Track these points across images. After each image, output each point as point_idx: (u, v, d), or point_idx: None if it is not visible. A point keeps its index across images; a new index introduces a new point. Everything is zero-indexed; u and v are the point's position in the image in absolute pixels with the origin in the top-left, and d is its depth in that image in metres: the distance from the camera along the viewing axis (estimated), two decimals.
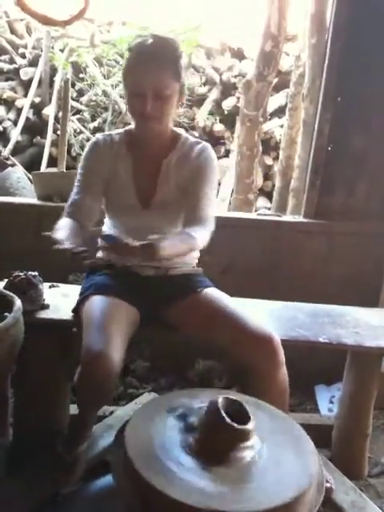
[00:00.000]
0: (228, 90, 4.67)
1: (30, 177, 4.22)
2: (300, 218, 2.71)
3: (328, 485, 1.71)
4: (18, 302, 1.67)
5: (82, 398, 1.71)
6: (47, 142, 4.17)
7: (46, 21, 1.60)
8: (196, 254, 1.97)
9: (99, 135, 1.92)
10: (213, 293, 1.84)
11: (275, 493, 1.17)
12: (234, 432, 1.24)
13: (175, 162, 1.81)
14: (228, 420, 1.24)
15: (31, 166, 4.45)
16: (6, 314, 1.63)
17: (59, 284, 2.15)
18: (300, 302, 2.18)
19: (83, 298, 1.79)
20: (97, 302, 1.74)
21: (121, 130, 1.92)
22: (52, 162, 4.38)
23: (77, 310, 1.80)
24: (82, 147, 4.34)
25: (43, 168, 4.18)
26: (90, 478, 1.80)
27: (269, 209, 4.25)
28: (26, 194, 3.98)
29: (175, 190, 1.83)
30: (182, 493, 1.15)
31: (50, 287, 2.08)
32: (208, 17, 4.25)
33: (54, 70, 4.57)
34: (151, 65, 1.65)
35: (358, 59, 2.40)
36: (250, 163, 3.09)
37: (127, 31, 4.39)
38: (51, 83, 4.57)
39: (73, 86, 4.60)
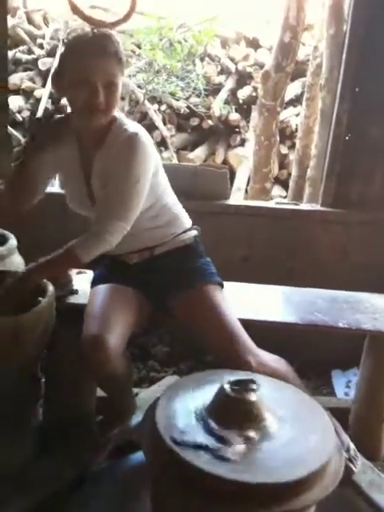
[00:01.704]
0: (243, 79, 4.69)
1: None
2: (317, 207, 2.76)
3: (351, 465, 1.77)
4: (50, 288, 1.74)
5: (97, 383, 1.80)
6: None
7: (97, 23, 1.64)
8: (177, 229, 1.91)
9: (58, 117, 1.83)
10: (209, 295, 1.82)
11: (294, 467, 1.24)
12: (242, 405, 1.31)
13: (103, 156, 1.75)
14: (235, 395, 1.31)
15: None
16: (39, 299, 1.70)
17: (86, 270, 2.22)
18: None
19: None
20: (96, 291, 1.84)
21: (62, 117, 1.82)
22: None
23: None
24: None
25: None
26: (117, 456, 1.90)
27: (284, 197, 4.30)
28: None
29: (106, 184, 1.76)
30: (208, 465, 1.22)
31: (77, 273, 2.16)
32: (224, 6, 4.26)
33: None
34: (99, 54, 1.62)
35: (375, 50, 2.43)
36: (268, 153, 3.14)
37: (144, 21, 4.42)
38: None
39: None
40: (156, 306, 1.88)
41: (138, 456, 1.85)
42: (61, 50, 1.80)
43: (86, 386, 2.04)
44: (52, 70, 1.85)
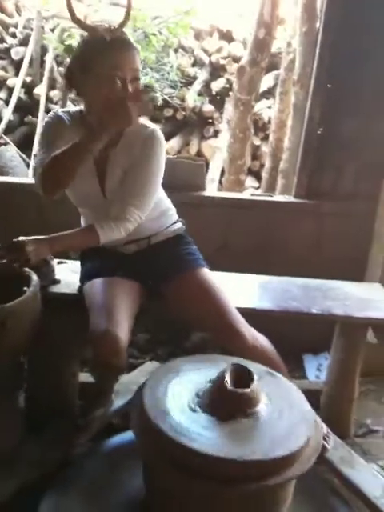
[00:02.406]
0: (217, 71, 4.75)
1: (23, 156, 4.31)
2: (291, 198, 2.85)
3: (324, 443, 1.88)
4: (35, 277, 1.78)
5: (97, 374, 1.86)
6: (39, 122, 4.22)
7: (92, 31, 1.68)
8: (169, 220, 2.02)
9: (59, 110, 1.89)
10: (203, 276, 1.93)
11: (279, 444, 1.33)
12: (238, 397, 1.39)
13: (121, 151, 1.82)
14: (232, 388, 1.39)
15: (23, 144, 4.50)
16: (25, 288, 1.75)
17: (66, 260, 2.27)
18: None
19: (83, 285, 1.93)
20: (95, 285, 1.88)
21: (76, 109, 1.87)
22: None
23: (81, 296, 1.92)
24: None
25: (35, 147, 4.24)
26: (100, 438, 1.97)
27: (257, 188, 4.39)
28: (19, 173, 4.06)
29: (123, 178, 1.84)
30: (195, 443, 1.30)
31: (58, 263, 2.20)
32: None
33: (44, 50, 4.60)
34: (126, 49, 1.67)
35: (347, 48, 2.51)
36: (242, 145, 3.22)
37: (117, 11, 4.42)
38: (42, 63, 4.60)
39: (62, 64, 4.65)
40: (150, 293, 1.95)
41: (120, 437, 1.95)
42: (79, 47, 1.78)
43: (68, 372, 2.11)
44: (65, 68, 1.86)
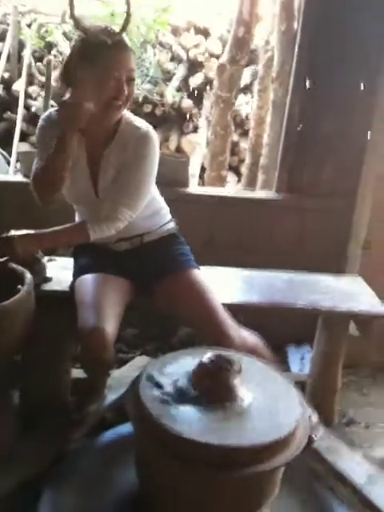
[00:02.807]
0: (195, 67, 4.79)
1: (4, 153, 4.28)
2: (272, 194, 2.91)
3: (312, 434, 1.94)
4: (28, 276, 1.80)
5: (86, 369, 1.90)
6: (18, 118, 4.20)
7: (93, 36, 1.69)
8: (163, 219, 2.04)
9: (51, 112, 1.88)
10: (194, 278, 1.95)
11: (268, 431, 1.38)
12: (220, 379, 1.44)
13: (115, 151, 1.82)
14: (211, 368, 1.45)
15: (2, 141, 4.48)
16: (19, 286, 1.77)
17: (56, 258, 2.28)
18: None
19: (75, 280, 1.95)
20: (85, 281, 1.90)
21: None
22: (22, 137, 4.44)
23: (72, 293, 1.93)
24: None
25: (15, 143, 4.22)
26: (94, 433, 2.00)
27: (237, 183, 4.46)
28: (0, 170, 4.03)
29: (116, 177, 1.85)
30: (187, 431, 1.34)
31: (48, 261, 2.21)
32: None
33: (21, 45, 4.56)
34: (123, 49, 1.69)
35: (326, 47, 2.57)
36: (223, 142, 3.27)
37: (94, 7, 4.42)
38: (19, 58, 4.57)
39: (40, 60, 4.62)
40: (140, 291, 1.98)
41: (113, 432, 1.99)
42: (74, 46, 1.78)
43: (61, 368, 2.14)
44: (59, 68, 1.85)
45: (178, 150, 4.60)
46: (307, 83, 2.61)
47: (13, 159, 4.23)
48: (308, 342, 2.96)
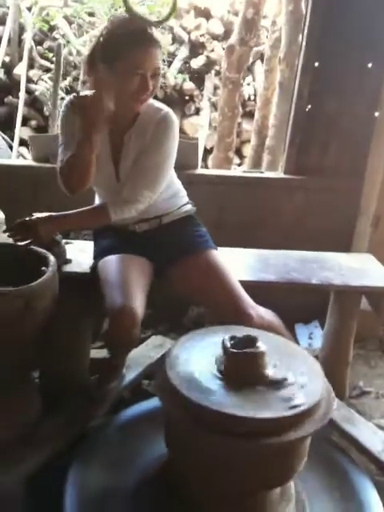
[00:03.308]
0: (196, 48, 4.79)
1: (5, 137, 4.29)
2: (281, 175, 2.95)
3: None
4: (52, 258, 1.85)
5: (113, 347, 1.94)
6: (20, 102, 4.20)
7: (141, 20, 1.71)
8: (181, 201, 2.08)
9: (73, 97, 1.87)
10: (213, 258, 2.00)
11: (294, 403, 1.44)
12: (244, 358, 1.48)
13: (135, 136, 1.86)
14: (234, 350, 1.48)
15: (4, 125, 4.48)
16: (43, 268, 1.81)
17: (72, 240, 2.32)
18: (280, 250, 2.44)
19: (97, 262, 1.99)
20: (110, 262, 1.94)
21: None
22: (24, 122, 4.44)
23: (93, 274, 1.99)
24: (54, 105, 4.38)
25: (18, 128, 4.22)
26: (112, 412, 2.06)
27: (239, 164, 4.49)
28: (2, 155, 4.05)
29: (136, 160, 1.88)
30: (216, 404, 1.39)
31: (65, 244, 2.26)
32: None
33: (21, 29, 4.54)
34: (149, 45, 1.70)
35: (335, 27, 2.60)
36: (231, 123, 3.29)
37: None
38: (19, 42, 4.55)
39: (40, 44, 4.60)
40: (158, 271, 2.02)
41: (133, 409, 2.05)
42: (104, 36, 1.74)
43: (81, 348, 2.19)
44: (86, 53, 1.84)
45: (181, 131, 4.61)
46: (316, 64, 2.64)
47: (15, 143, 4.24)
48: (315, 318, 3.05)
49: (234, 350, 1.50)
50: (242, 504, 1.60)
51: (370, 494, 1.80)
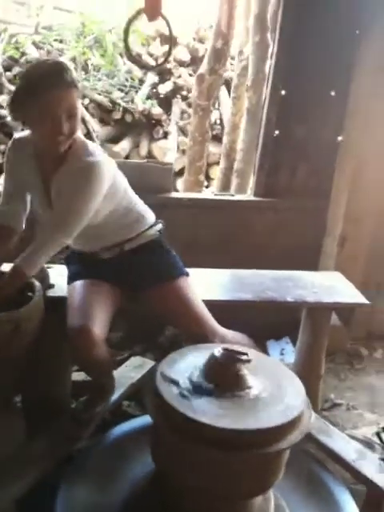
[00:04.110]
0: (163, 75, 4.91)
1: None
2: (251, 197, 3.08)
3: None
4: (37, 284, 1.90)
5: (82, 369, 1.99)
6: None
7: (142, 65, 1.79)
8: (142, 226, 2.06)
9: (16, 135, 1.96)
10: (181, 287, 2.04)
11: (277, 415, 1.52)
12: (231, 370, 1.56)
13: (61, 177, 1.85)
14: (223, 361, 1.56)
15: None
16: (29, 294, 1.86)
17: (51, 265, 2.36)
18: (252, 269, 2.54)
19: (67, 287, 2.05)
20: (75, 287, 2.01)
21: (22, 139, 1.93)
22: None
23: None
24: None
25: None
26: (95, 433, 2.09)
27: (206, 186, 4.60)
28: None
29: None
30: (204, 417, 1.46)
31: (47, 268, 2.30)
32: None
33: None
34: (61, 87, 1.69)
35: (300, 58, 2.76)
36: (201, 148, 3.41)
37: (62, 16, 4.49)
38: None
39: (8, 70, 4.64)
40: (128, 297, 2.08)
41: (117, 429, 2.10)
42: (19, 80, 1.80)
43: (63, 371, 2.22)
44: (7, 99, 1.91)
45: (149, 155, 4.71)
46: (283, 92, 2.79)
47: None
48: (286, 334, 3.16)
49: (220, 361, 1.58)
50: (226, 510, 1.67)
51: (346, 500, 1.89)
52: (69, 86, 1.70)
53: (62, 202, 1.83)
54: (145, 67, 1.89)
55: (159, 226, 2.13)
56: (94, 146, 1.91)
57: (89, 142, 1.89)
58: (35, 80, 1.70)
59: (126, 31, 1.91)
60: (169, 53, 1.85)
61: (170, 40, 1.88)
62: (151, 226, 2.10)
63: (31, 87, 1.70)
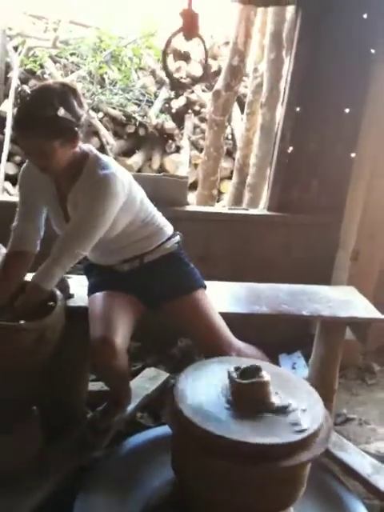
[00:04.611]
0: (177, 90, 4.98)
1: None
2: (264, 211, 3.11)
3: None
4: (59, 293, 1.93)
5: (100, 377, 2.01)
6: (6, 138, 4.28)
7: (178, 85, 1.84)
8: (161, 237, 2.07)
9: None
10: (199, 300, 2.07)
11: (298, 429, 1.55)
12: (249, 387, 1.58)
13: (76, 191, 1.88)
14: (240, 380, 1.59)
15: None
16: (50, 303, 1.89)
17: (70, 275, 2.39)
18: (265, 283, 2.54)
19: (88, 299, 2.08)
20: (95, 298, 2.03)
21: None
22: (9, 157, 4.51)
23: None
24: None
25: (3, 164, 4.29)
26: (113, 442, 2.11)
27: (217, 201, 4.65)
28: None
29: None
30: (228, 432, 1.48)
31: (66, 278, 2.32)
32: (157, 20, 4.52)
33: (7, 68, 4.66)
34: (25, 132, 1.74)
35: (314, 76, 2.81)
36: (215, 163, 3.46)
37: (78, 31, 4.58)
38: (6, 80, 4.66)
39: (24, 82, 4.72)
40: (149, 307, 2.10)
41: (136, 438, 2.12)
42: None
43: (81, 380, 2.25)
44: None
45: (161, 169, 4.77)
46: (297, 109, 2.84)
47: (0, 179, 4.31)
48: (298, 349, 3.17)
49: (241, 381, 1.60)
50: None
51: None
52: (32, 128, 1.71)
53: (77, 214, 1.86)
54: (183, 86, 1.92)
55: (177, 238, 2.15)
56: (108, 159, 1.92)
57: (102, 156, 1.92)
58: (16, 114, 1.79)
59: (164, 52, 1.96)
60: (205, 71, 1.88)
61: (205, 57, 1.93)
62: (169, 238, 2.11)
63: (14, 121, 1.85)
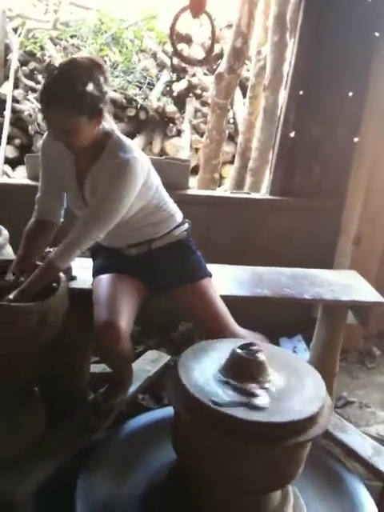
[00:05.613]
0: (178, 73, 4.94)
1: None
2: (267, 196, 3.11)
3: None
4: (62, 275, 1.93)
5: (103, 360, 2.01)
6: (6, 121, 4.25)
7: (186, 61, 1.82)
8: (171, 224, 2.05)
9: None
10: (204, 288, 2.07)
11: (299, 409, 1.55)
12: (251, 362, 1.60)
13: (95, 173, 1.85)
14: (244, 355, 1.60)
15: None
16: (54, 284, 1.89)
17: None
18: (267, 266, 2.54)
19: (93, 280, 2.07)
20: (100, 281, 2.03)
21: None
22: (9, 140, 4.49)
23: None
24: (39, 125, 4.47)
25: (3, 146, 4.27)
26: (114, 424, 2.12)
27: (219, 185, 4.63)
28: None
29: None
30: (229, 409, 1.49)
31: None
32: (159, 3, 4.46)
33: (7, 49, 4.61)
34: (51, 107, 1.69)
35: (318, 60, 2.79)
36: (218, 146, 3.44)
37: (79, 12, 4.53)
38: (5, 62, 4.62)
39: (24, 64, 4.68)
40: (153, 293, 2.10)
41: (135, 421, 2.13)
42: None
43: (83, 362, 2.26)
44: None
45: (162, 153, 4.74)
46: (301, 92, 2.82)
47: (0, 162, 4.28)
48: (298, 332, 3.19)
49: (245, 356, 1.61)
50: (247, 504, 1.70)
51: (364, 496, 1.92)
52: (58, 103, 1.67)
53: (97, 197, 1.83)
54: (191, 63, 1.91)
55: (186, 226, 2.13)
56: (130, 142, 1.88)
57: (124, 138, 1.88)
58: (39, 93, 1.76)
59: (172, 28, 1.93)
60: (211, 48, 1.87)
61: (212, 36, 1.91)
62: (178, 226, 2.09)
63: (40, 95, 1.74)
